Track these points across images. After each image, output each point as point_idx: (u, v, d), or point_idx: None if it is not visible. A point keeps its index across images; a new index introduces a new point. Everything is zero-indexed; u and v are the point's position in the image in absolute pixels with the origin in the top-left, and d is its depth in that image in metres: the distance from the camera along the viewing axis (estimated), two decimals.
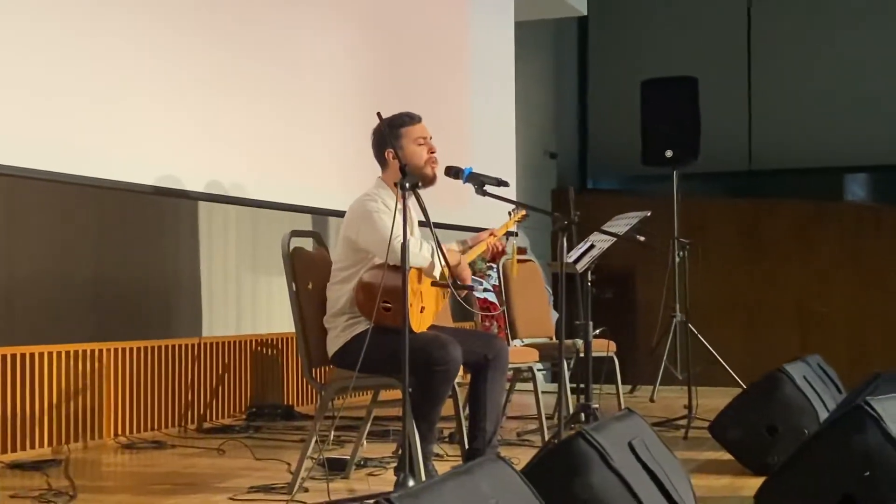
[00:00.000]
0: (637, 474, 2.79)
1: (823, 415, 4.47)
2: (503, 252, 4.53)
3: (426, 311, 4.06)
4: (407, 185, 3.71)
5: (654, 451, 2.99)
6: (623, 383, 6.73)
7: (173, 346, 6.04)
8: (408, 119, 4.22)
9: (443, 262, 3.96)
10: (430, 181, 4.15)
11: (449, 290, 4.07)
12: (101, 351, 5.56)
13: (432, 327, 4.15)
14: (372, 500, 1.86)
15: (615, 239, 5.18)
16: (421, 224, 4.04)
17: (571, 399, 5.44)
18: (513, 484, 2.26)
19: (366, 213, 4.05)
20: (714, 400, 5.86)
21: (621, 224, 5.30)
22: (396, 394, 3.80)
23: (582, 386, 5.11)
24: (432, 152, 4.21)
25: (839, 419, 3.39)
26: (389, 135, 4.08)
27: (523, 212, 4.57)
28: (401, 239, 3.68)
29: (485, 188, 4.20)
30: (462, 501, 2.01)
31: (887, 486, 3.13)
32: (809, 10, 12.12)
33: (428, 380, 3.87)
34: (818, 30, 12.08)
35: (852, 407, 3.32)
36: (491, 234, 4.41)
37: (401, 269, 3.65)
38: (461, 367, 4.02)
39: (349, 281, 4.05)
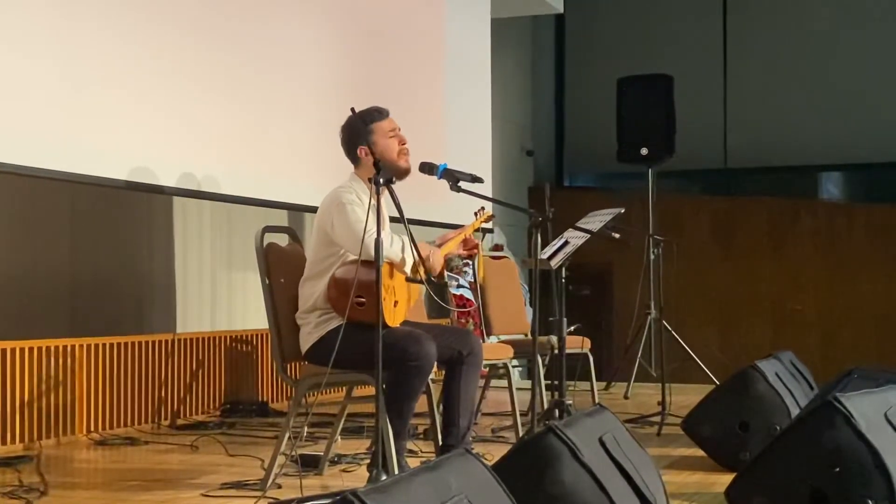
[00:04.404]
0: (607, 470, 2.80)
1: (795, 411, 4.49)
2: (475, 248, 4.53)
3: (399, 305, 4.06)
4: (381, 180, 3.71)
5: (625, 446, 3.00)
6: (598, 380, 6.75)
7: (147, 343, 6.01)
8: (377, 114, 4.22)
9: (415, 255, 3.96)
10: (403, 173, 4.15)
11: (421, 283, 4.07)
12: (74, 347, 5.53)
13: (407, 323, 4.15)
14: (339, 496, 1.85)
15: (589, 235, 5.19)
16: (395, 220, 4.04)
17: (546, 396, 5.45)
18: (481, 478, 2.26)
19: (340, 203, 4.04)
20: (688, 397, 5.87)
21: (595, 221, 5.31)
22: (370, 390, 3.80)
23: (556, 383, 5.12)
24: (403, 144, 4.21)
25: (809, 415, 3.41)
26: (360, 132, 4.09)
27: (489, 212, 4.57)
28: (372, 234, 3.68)
29: (459, 185, 4.20)
30: (430, 496, 2.01)
31: (857, 481, 3.15)
32: (785, 9, 12.18)
33: (402, 375, 3.87)
34: (794, 29, 12.14)
35: (822, 403, 3.34)
36: (458, 234, 4.41)
37: (373, 264, 3.66)
38: (435, 363, 4.02)
39: (321, 277, 4.05)
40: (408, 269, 4.03)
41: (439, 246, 4.32)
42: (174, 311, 6.56)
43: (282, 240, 4.35)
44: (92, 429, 5.61)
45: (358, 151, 4.18)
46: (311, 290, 4.08)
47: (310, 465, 4.33)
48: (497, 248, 10.44)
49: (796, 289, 11.52)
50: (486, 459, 2.74)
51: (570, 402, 5.02)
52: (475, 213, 4.55)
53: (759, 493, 3.38)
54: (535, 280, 4.38)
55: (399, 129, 4.23)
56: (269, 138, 5.97)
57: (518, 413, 5.25)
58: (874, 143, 11.70)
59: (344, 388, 4.59)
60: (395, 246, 4.00)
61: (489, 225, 8.34)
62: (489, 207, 4.60)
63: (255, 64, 5.93)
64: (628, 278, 8.73)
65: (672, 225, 9.80)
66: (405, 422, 3.99)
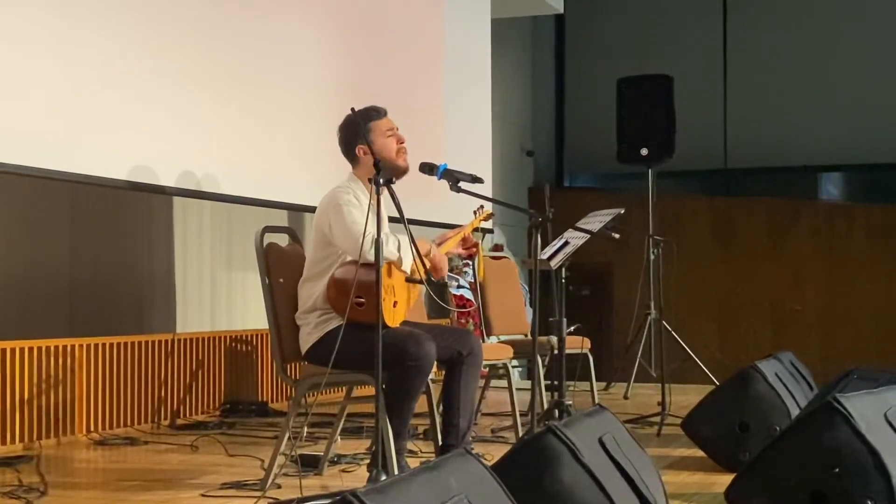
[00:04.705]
0: (607, 470, 2.80)
1: (795, 412, 4.49)
2: (475, 247, 4.53)
3: (399, 305, 4.06)
4: (381, 181, 3.71)
5: (625, 447, 3.00)
6: (598, 380, 6.75)
7: (147, 342, 6.01)
8: (374, 113, 4.22)
9: (415, 254, 3.97)
10: (402, 172, 4.14)
11: (421, 283, 4.08)
12: (73, 346, 5.53)
13: (407, 324, 4.15)
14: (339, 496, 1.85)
15: (589, 236, 5.19)
16: (394, 220, 4.04)
17: (546, 396, 5.45)
18: (481, 479, 2.26)
19: (337, 205, 4.04)
20: (687, 397, 5.88)
21: (595, 221, 5.31)
22: (370, 390, 3.80)
23: (556, 383, 5.12)
24: (401, 143, 4.21)
25: (809, 416, 3.40)
26: (358, 131, 4.09)
27: (489, 210, 4.57)
28: (371, 235, 3.69)
29: (459, 185, 4.20)
30: (430, 496, 2.01)
31: (856, 482, 3.15)
32: (786, 10, 12.18)
33: (401, 374, 3.87)
34: (794, 30, 12.14)
35: (822, 404, 3.34)
36: (457, 233, 4.40)
37: (372, 264, 3.66)
38: (435, 363, 4.02)
39: (321, 277, 4.05)
40: (406, 267, 4.03)
41: (439, 244, 4.32)
42: (174, 311, 6.56)
43: (282, 240, 4.35)
44: (92, 429, 5.61)
45: (356, 151, 4.19)
46: (311, 291, 4.08)
47: (309, 465, 4.33)
48: (497, 248, 10.44)
49: (796, 289, 11.52)
50: (485, 459, 2.74)
51: (570, 402, 5.02)
52: (474, 212, 4.54)
53: (758, 493, 3.37)
54: (536, 280, 4.38)
55: (397, 129, 4.23)
56: (269, 138, 5.97)
57: (518, 413, 5.25)
58: (874, 144, 11.71)
59: (344, 388, 4.59)
60: (392, 245, 3.99)
61: (489, 225, 8.34)
62: (488, 207, 4.60)
63: (256, 64, 5.93)
64: (628, 278, 8.73)
65: (672, 225, 9.80)
66: (405, 422, 3.99)
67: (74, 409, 5.51)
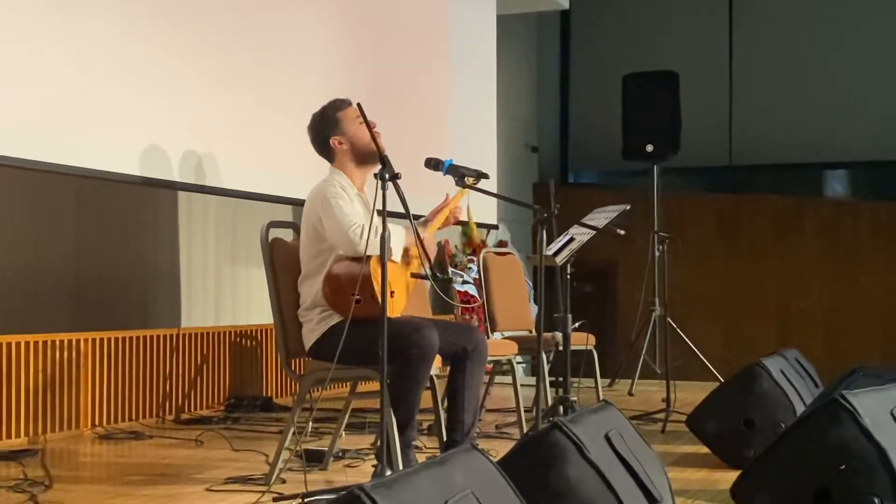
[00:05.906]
0: (613, 466, 2.79)
1: (800, 409, 4.49)
2: (459, 213, 4.49)
3: (397, 295, 4.04)
4: (387, 175, 3.70)
5: (631, 443, 2.99)
6: (602, 377, 6.73)
7: (152, 337, 6.01)
8: (340, 103, 4.24)
9: (421, 252, 3.96)
10: (383, 152, 4.11)
11: (421, 272, 4.07)
12: (79, 341, 5.53)
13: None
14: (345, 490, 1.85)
15: (594, 232, 5.19)
16: (399, 215, 4.03)
17: (550, 392, 5.45)
18: (488, 474, 2.26)
19: (325, 199, 4.04)
20: (692, 394, 5.88)
21: (601, 217, 5.31)
22: (375, 385, 3.80)
23: (561, 379, 5.12)
24: (373, 126, 4.19)
25: (815, 413, 3.40)
26: (329, 125, 4.14)
27: (472, 179, 4.44)
28: (359, 228, 3.69)
29: (465, 180, 4.19)
30: (436, 491, 2.01)
31: (862, 479, 3.14)
32: (791, 6, 12.15)
33: (405, 363, 3.86)
34: (800, 26, 12.11)
35: (828, 401, 3.33)
36: (443, 207, 4.38)
37: (366, 259, 3.67)
38: (440, 357, 4.01)
39: (318, 274, 4.04)
40: (396, 257, 4.01)
41: (430, 220, 4.30)
42: (179, 306, 6.57)
43: (286, 235, 4.35)
44: (96, 423, 5.61)
45: (331, 143, 4.20)
46: (310, 288, 4.07)
47: (314, 460, 4.33)
48: (502, 244, 10.43)
49: (801, 286, 11.50)
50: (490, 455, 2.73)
51: (575, 398, 5.02)
52: (456, 182, 4.39)
53: (763, 490, 3.37)
54: (541, 276, 4.37)
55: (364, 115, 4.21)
56: (274, 133, 5.97)
57: (522, 409, 5.25)
58: (880, 141, 11.68)
59: (349, 382, 4.59)
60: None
61: (493, 220, 8.33)
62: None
63: (261, 59, 5.92)
64: (633, 275, 8.73)
65: (677, 222, 9.80)
66: (411, 411, 3.94)
67: (79, 403, 5.52)
